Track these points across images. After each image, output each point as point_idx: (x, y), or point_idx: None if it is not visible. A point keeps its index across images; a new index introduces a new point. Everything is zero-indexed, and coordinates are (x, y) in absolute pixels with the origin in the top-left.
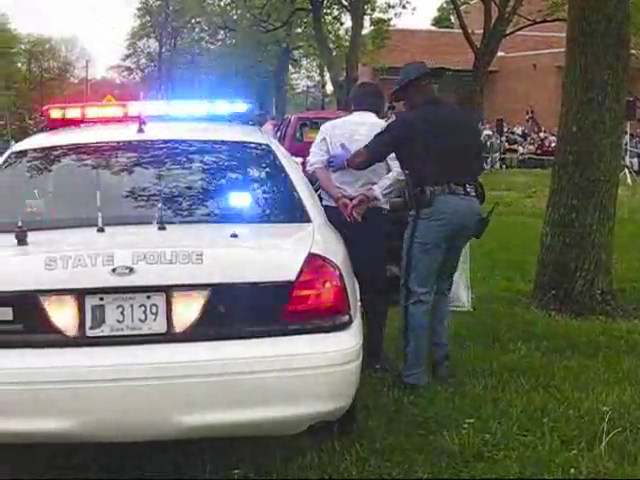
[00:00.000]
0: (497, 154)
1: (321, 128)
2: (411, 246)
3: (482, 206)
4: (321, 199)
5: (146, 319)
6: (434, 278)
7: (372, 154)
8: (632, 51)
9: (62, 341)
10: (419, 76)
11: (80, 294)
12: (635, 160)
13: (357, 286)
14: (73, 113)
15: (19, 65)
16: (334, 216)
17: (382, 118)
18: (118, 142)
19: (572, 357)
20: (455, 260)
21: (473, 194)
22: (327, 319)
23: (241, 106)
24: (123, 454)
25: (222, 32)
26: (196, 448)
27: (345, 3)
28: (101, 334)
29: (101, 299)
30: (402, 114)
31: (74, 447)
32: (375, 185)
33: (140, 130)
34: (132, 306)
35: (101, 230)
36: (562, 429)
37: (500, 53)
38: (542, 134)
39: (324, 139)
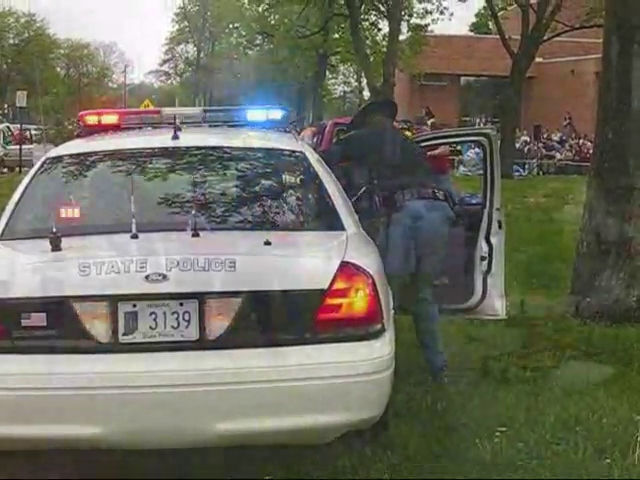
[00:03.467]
0: (534, 160)
1: None
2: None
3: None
4: None
5: (179, 326)
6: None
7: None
8: None
9: (95, 347)
10: (370, 109)
11: (113, 300)
12: None
13: (391, 295)
14: (108, 119)
15: (58, 70)
16: None
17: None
18: (152, 149)
19: (607, 365)
20: (428, 269)
21: (442, 199)
22: (360, 327)
23: (276, 112)
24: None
25: (259, 37)
26: (229, 453)
27: (382, 9)
28: (134, 341)
29: (134, 305)
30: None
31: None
32: None
33: (175, 137)
34: (165, 313)
35: (135, 236)
36: (596, 438)
37: (538, 59)
38: (580, 140)
39: None
